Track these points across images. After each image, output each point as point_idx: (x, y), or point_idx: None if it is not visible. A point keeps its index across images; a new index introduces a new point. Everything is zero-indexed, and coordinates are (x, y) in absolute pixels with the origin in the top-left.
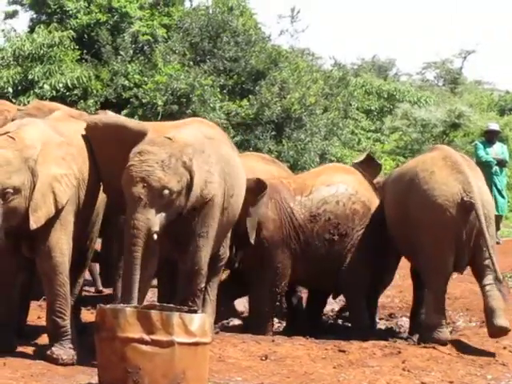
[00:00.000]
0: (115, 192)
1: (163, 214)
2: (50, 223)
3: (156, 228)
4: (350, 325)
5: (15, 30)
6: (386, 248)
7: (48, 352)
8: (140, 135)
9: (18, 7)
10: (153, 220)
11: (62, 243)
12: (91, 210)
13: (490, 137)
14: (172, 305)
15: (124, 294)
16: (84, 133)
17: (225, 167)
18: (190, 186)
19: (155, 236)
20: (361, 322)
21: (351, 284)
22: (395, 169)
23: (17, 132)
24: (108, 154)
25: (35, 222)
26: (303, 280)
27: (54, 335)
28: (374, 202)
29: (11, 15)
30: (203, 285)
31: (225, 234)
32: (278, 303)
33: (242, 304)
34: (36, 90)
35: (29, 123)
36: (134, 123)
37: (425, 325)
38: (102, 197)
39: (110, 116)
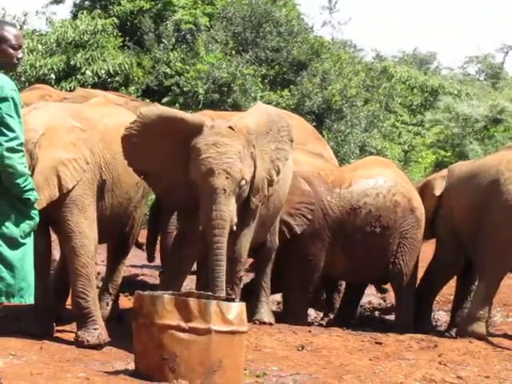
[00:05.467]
0: (165, 186)
1: (236, 205)
2: (67, 207)
3: (236, 219)
4: (387, 318)
5: (55, 14)
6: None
7: (75, 336)
8: (197, 127)
9: None
10: (234, 211)
11: (81, 226)
12: (122, 195)
13: None
14: (210, 293)
15: (212, 287)
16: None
17: None
18: (253, 176)
19: (235, 227)
20: (406, 318)
21: (402, 277)
22: (461, 165)
23: (24, 115)
24: (160, 147)
25: (39, 204)
26: (344, 273)
27: (78, 318)
28: (414, 194)
29: (58, 1)
30: (242, 273)
31: (271, 222)
32: (312, 294)
33: (278, 294)
34: (78, 76)
35: (40, 107)
36: (189, 115)
37: (468, 315)
38: (140, 183)
39: (162, 108)
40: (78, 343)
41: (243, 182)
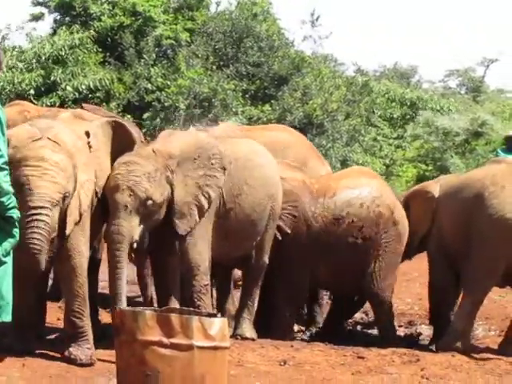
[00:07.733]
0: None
1: (144, 224)
2: None
3: (137, 236)
4: (369, 332)
5: (35, 29)
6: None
7: (66, 353)
8: (130, 146)
9: (44, 9)
10: (135, 228)
11: (80, 246)
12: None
13: (510, 144)
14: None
15: (112, 298)
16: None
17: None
18: (170, 199)
19: (135, 244)
20: (386, 332)
21: (378, 291)
22: (448, 179)
23: (56, 136)
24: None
25: (68, 228)
26: (325, 283)
27: (71, 336)
28: (398, 207)
29: (38, 18)
30: (206, 282)
31: (243, 235)
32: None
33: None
34: (59, 92)
35: (54, 126)
36: (132, 131)
37: (451, 329)
38: None
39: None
40: (70, 360)
41: (149, 202)
